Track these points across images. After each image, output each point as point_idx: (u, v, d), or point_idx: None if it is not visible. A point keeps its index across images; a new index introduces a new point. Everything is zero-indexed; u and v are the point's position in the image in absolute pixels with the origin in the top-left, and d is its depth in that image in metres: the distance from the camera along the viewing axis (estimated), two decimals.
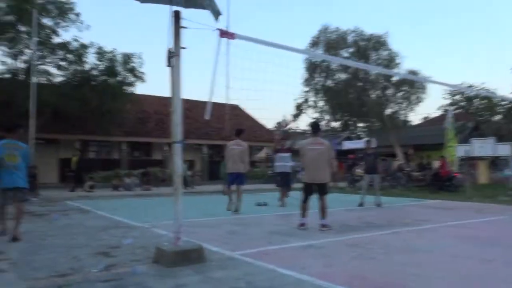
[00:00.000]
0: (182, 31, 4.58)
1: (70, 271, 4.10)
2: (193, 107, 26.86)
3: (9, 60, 21.17)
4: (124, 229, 6.96)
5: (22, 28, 20.34)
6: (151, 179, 20.29)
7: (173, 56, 4.48)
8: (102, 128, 22.50)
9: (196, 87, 59.31)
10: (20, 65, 21.18)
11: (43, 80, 21.69)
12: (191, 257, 4.41)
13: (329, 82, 29.18)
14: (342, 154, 24.22)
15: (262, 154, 31.45)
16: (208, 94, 4.90)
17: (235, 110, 29.95)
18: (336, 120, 31.96)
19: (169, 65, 4.50)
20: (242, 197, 9.49)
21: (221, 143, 24.77)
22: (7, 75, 21.43)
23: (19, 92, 18.82)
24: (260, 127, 31.82)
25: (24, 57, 21.07)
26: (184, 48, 4.56)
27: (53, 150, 22.84)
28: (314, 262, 4.56)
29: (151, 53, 27.25)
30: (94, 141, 25.08)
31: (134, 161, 24.69)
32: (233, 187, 9.61)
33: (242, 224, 7.65)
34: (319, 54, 25.30)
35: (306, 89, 29.81)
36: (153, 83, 56.27)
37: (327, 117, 30.99)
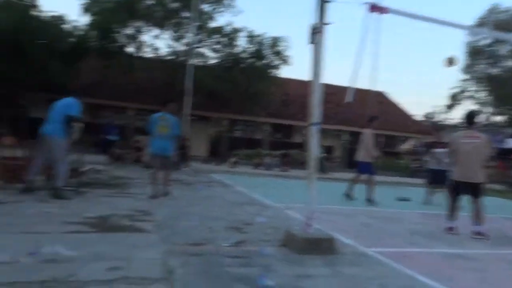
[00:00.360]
0: (327, 5, 4.26)
1: (204, 241, 4.25)
2: (335, 92, 26.27)
3: (173, 43, 23.67)
4: (258, 207, 7.09)
5: (185, 14, 22.42)
6: (290, 161, 20.62)
7: (316, 33, 4.21)
8: (248, 109, 23.65)
9: (339, 71, 58.13)
10: (181, 48, 23.45)
11: (199, 62, 23.73)
12: (321, 246, 4.17)
13: (495, 70, 25.42)
14: (504, 153, 21.01)
15: (407, 145, 29.29)
16: (351, 77, 4.53)
17: (379, 97, 28.38)
18: (499, 114, 27.83)
19: (311, 42, 4.24)
20: (373, 187, 8.97)
21: (362, 130, 23.84)
22: (170, 57, 23.99)
23: (179, 72, 20.89)
24: (406, 116, 29.60)
25: (184, 41, 23.25)
26: (328, 24, 4.25)
27: (204, 126, 24.86)
28: (463, 275, 3.89)
29: (299, 37, 27.39)
30: (240, 121, 26.58)
31: (275, 142, 25.46)
32: (364, 176, 9.18)
33: (378, 217, 7.10)
34: (492, 32, 21.85)
35: (465, 77, 26.53)
36: (298, 67, 56.86)
37: (488, 109, 27.20)
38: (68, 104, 6.44)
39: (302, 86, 28.28)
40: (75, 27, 22.86)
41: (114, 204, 6.10)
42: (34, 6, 21.56)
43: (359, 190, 9.13)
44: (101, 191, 7.30)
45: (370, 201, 8.81)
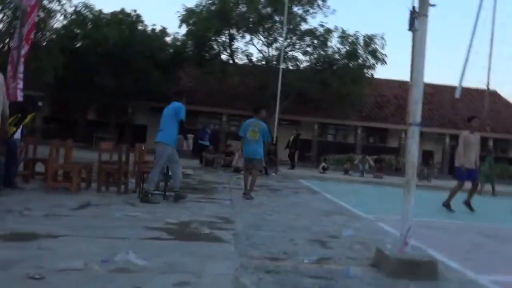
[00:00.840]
0: None
1: (283, 255, 3.88)
2: (436, 92, 24.26)
3: (265, 49, 23.84)
4: (346, 217, 6.53)
5: (276, 18, 22.42)
6: (384, 166, 19.39)
7: (417, 17, 3.59)
8: (340, 112, 22.86)
9: (441, 69, 53.51)
10: (273, 52, 23.50)
11: (291, 65, 23.55)
12: (419, 270, 3.53)
13: None
14: None
15: None
16: (462, 68, 3.82)
17: (492, 96, 25.48)
18: None
19: (411, 29, 3.64)
20: (453, 193, 8.19)
21: None
22: (262, 62, 24.18)
23: (271, 77, 20.91)
24: None
25: (276, 45, 23.26)
26: (433, 5, 3.61)
27: (294, 130, 24.60)
28: None
29: (394, 34, 25.92)
30: (331, 125, 25.83)
31: (368, 147, 24.24)
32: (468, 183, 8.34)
33: (492, 235, 6.08)
34: None
35: None
36: (394, 66, 53.62)
37: None
38: (175, 109, 6.52)
39: (399, 87, 26.70)
40: (174, 38, 24.23)
41: (198, 209, 6.04)
42: (140, 21, 23.34)
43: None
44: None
45: (446, 206, 8.11)
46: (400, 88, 26.31)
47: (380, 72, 27.94)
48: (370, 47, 22.28)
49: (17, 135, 6.80)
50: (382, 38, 22.16)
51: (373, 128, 25.08)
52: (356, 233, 5.20)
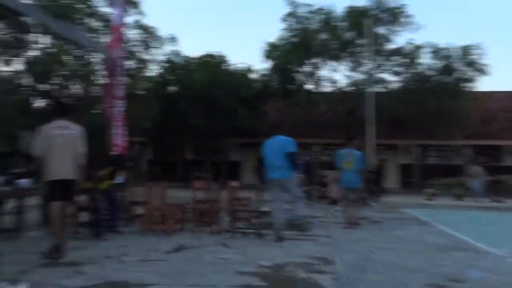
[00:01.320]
0: None
1: None
2: None
3: (351, 73, 23.17)
4: (468, 253, 5.54)
5: (359, 42, 21.76)
6: (502, 189, 17.13)
7: None
8: (440, 131, 21.04)
9: None
10: (360, 76, 22.71)
11: (380, 87, 22.50)
12: None
13: None
14: None
15: None
16: None
17: None
18: None
19: None
20: None
21: None
22: (350, 88, 23.48)
23: (360, 101, 20.09)
24: None
25: (362, 68, 22.47)
26: None
27: (392, 155, 23.14)
28: None
29: (496, 41, 23.63)
30: (433, 146, 23.88)
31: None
32: None
33: None
34: None
35: None
36: (498, 76, 48.44)
37: None
38: (283, 142, 6.41)
39: (507, 98, 23.97)
40: (259, 74, 24.70)
41: (293, 248, 5.59)
42: (224, 61, 24.29)
43: None
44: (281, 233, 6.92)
45: None
46: (509, 100, 23.62)
47: (484, 84, 25.44)
48: (467, 58, 20.45)
49: (120, 180, 7.13)
50: (480, 47, 20.28)
51: (482, 146, 22.57)
52: (485, 274, 4.30)
